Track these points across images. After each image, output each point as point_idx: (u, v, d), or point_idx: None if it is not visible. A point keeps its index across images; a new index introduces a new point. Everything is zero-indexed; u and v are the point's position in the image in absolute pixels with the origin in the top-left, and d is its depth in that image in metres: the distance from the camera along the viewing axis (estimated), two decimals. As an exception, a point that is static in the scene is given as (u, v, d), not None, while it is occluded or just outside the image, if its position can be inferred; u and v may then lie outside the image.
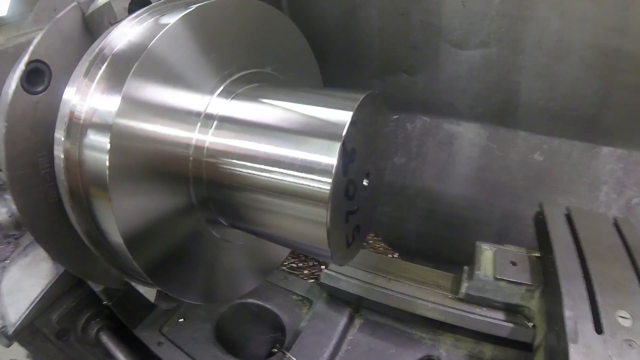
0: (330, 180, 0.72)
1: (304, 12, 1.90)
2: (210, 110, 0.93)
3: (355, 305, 1.49)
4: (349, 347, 1.37)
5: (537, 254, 1.31)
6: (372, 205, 1.01)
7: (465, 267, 1.36)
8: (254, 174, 0.85)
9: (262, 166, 0.83)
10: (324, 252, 0.82)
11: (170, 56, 0.84)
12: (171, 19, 0.85)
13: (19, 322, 1.32)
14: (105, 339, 1.46)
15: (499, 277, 1.24)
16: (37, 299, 1.35)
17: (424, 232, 2.23)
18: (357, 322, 1.46)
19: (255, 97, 0.98)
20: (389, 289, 1.39)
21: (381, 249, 2.35)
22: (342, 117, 0.76)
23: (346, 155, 0.75)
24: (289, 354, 1.31)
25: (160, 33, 0.81)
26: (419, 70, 1.85)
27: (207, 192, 0.95)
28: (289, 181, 0.79)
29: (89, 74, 0.86)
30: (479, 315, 1.25)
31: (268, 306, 1.58)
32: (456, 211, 2.06)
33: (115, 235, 0.83)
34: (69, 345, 1.49)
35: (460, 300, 1.30)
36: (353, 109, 0.76)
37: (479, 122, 1.88)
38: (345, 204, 0.82)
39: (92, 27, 0.97)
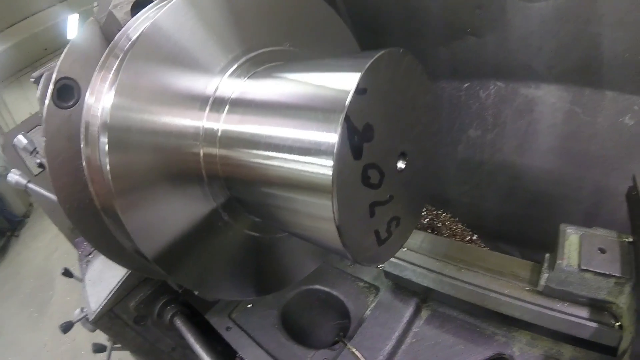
0: (330, 163, 0.59)
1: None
2: (220, 94, 0.86)
3: (422, 295, 1.40)
4: (414, 340, 1.29)
5: (630, 239, 1.10)
6: (417, 192, 0.86)
7: (547, 255, 1.19)
8: (260, 162, 0.76)
9: (266, 152, 0.74)
10: (343, 253, 0.70)
11: (170, 39, 0.79)
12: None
13: (99, 309, 1.48)
14: (178, 323, 1.59)
15: (584, 268, 1.06)
16: (116, 288, 1.52)
17: (505, 212, 2.04)
18: (424, 313, 1.37)
19: (268, 75, 0.88)
20: (459, 279, 1.26)
21: (458, 230, 2.20)
22: (344, 85, 0.62)
23: (355, 133, 0.62)
24: (349, 345, 1.28)
25: (159, 14, 0.78)
26: (486, 31, 1.67)
27: (228, 190, 0.88)
28: (290, 168, 0.69)
29: (100, 76, 0.89)
30: (559, 312, 1.09)
31: (334, 293, 1.57)
32: (540, 187, 1.85)
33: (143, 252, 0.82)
34: (146, 330, 1.66)
35: (539, 293, 1.14)
36: (359, 73, 0.61)
37: (560, 83, 1.64)
38: (366, 194, 0.69)
39: (109, 37, 1.01)
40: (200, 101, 0.85)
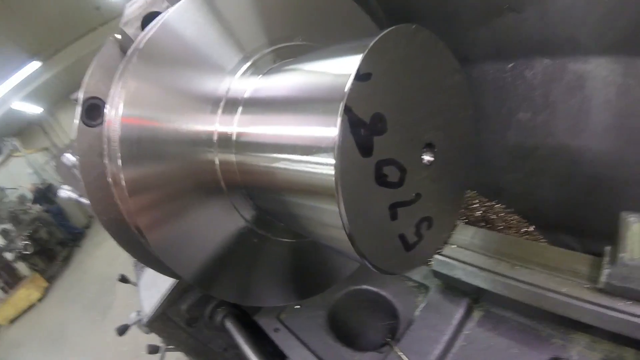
0: (332, 161, 0.51)
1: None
2: (233, 94, 0.80)
3: (474, 295, 1.31)
4: (464, 344, 1.22)
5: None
6: (451, 187, 0.75)
7: (607, 248, 1.07)
8: (269, 166, 0.69)
9: (273, 155, 0.67)
10: (362, 262, 0.62)
11: (177, 41, 0.76)
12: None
13: (152, 312, 1.55)
14: (229, 325, 1.62)
15: None
16: (168, 293, 1.57)
17: (562, 200, 1.88)
18: (476, 314, 1.29)
19: (277, 72, 0.82)
20: (513, 277, 1.17)
21: (514, 222, 2.08)
22: (343, 71, 0.53)
23: (361, 126, 0.53)
24: (396, 348, 1.24)
25: (158, 23, 0.75)
26: (525, 5, 1.55)
27: (252, 200, 0.83)
28: (296, 170, 0.61)
29: (116, 91, 0.89)
30: (622, 312, 0.97)
31: (382, 293, 1.53)
32: (600, 171, 1.70)
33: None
34: (198, 331, 1.71)
35: (600, 291, 1.03)
36: (359, 55, 0.52)
37: (610, 54, 1.50)
38: (382, 194, 0.60)
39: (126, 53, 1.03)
40: (211, 103, 0.81)
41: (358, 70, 0.52)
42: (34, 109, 14.41)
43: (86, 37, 10.24)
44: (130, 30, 0.97)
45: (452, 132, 0.71)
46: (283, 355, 1.41)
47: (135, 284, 2.22)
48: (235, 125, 0.77)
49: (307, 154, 0.57)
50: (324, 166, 0.53)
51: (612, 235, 1.11)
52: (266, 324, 1.56)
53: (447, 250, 1.35)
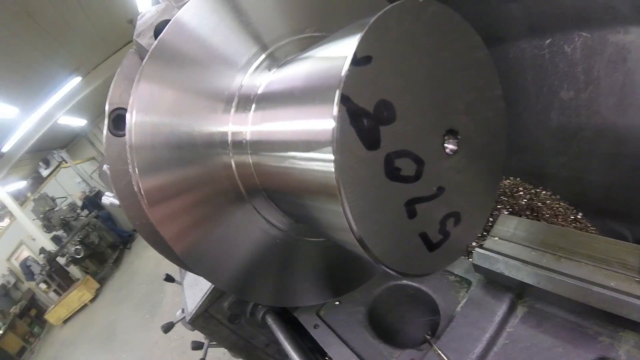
0: (330, 157, 0.45)
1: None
2: (245, 90, 0.75)
3: (517, 290, 1.25)
4: (507, 342, 1.15)
5: None
6: (482, 177, 0.67)
7: None
8: (278, 165, 0.64)
9: (279, 153, 0.62)
10: (379, 265, 0.56)
11: (187, 40, 0.73)
12: None
13: (195, 310, 1.60)
14: (270, 321, 1.64)
15: None
16: (210, 291, 1.62)
17: (611, 183, 1.77)
18: (520, 310, 1.22)
19: (287, 64, 0.76)
20: (558, 270, 1.10)
21: (561, 209, 1.97)
22: (340, 54, 0.47)
23: (363, 115, 0.47)
24: (435, 347, 1.20)
25: (180, 9, 0.72)
26: None
27: (273, 201, 0.80)
28: (300, 168, 0.56)
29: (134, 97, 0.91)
30: None
31: (422, 288, 1.49)
32: (650, 150, 1.56)
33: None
34: (240, 328, 1.75)
35: None
36: (356, 37, 0.46)
37: None
38: (396, 190, 0.53)
39: None
40: (224, 102, 0.77)
41: (355, 54, 0.46)
42: (78, 122, 15.30)
43: (122, 49, 10.71)
44: (144, 41, 0.97)
45: (478, 115, 0.63)
46: (323, 351, 1.41)
47: (180, 283, 2.31)
48: (249, 124, 0.73)
49: (307, 150, 0.52)
50: (324, 163, 0.47)
51: None
52: (306, 320, 1.56)
53: (488, 242, 1.29)
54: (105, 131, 1.02)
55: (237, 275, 0.82)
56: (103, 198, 2.02)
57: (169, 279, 2.80)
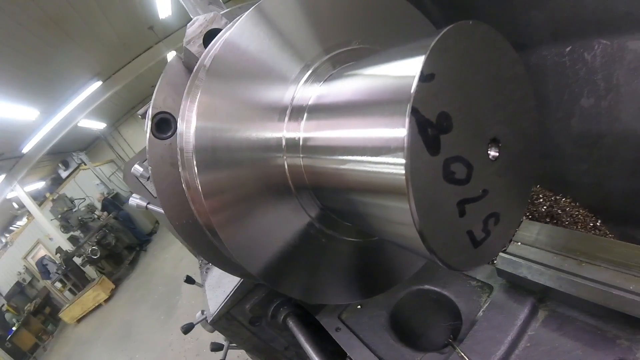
0: (402, 161, 0.53)
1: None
2: (297, 102, 0.84)
3: (539, 294, 1.27)
4: (528, 345, 1.17)
5: None
6: (517, 181, 0.74)
7: None
8: (338, 168, 0.72)
9: (342, 157, 0.69)
10: (431, 259, 0.63)
11: (241, 55, 0.80)
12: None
13: (217, 311, 1.63)
14: (291, 324, 1.66)
15: None
16: (232, 292, 1.65)
17: (632, 190, 1.75)
18: (541, 314, 1.24)
19: (339, 76, 0.84)
20: (580, 274, 1.12)
21: (580, 216, 1.97)
22: (407, 72, 0.54)
23: (428, 125, 0.54)
24: (458, 349, 1.21)
25: (230, 30, 0.79)
26: None
27: (318, 200, 0.87)
28: (365, 171, 0.63)
29: (187, 105, 0.95)
30: None
31: (445, 293, 1.51)
32: (671, 156, 1.56)
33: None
34: (260, 330, 1.77)
35: None
36: (422, 57, 0.53)
37: None
38: (451, 191, 0.61)
39: (191, 70, 1.07)
40: (279, 112, 0.85)
41: (422, 72, 0.53)
42: (98, 125, 15.64)
43: (142, 55, 10.95)
44: (193, 48, 1.03)
45: (516, 125, 0.71)
46: (344, 354, 1.43)
47: (201, 285, 2.35)
48: (302, 131, 0.82)
49: (377, 155, 0.59)
50: (394, 166, 0.55)
51: None
52: (328, 323, 1.59)
53: (511, 247, 1.31)
54: (148, 134, 1.06)
55: (272, 265, 0.87)
56: (130, 200, 2.08)
57: (190, 280, 2.85)
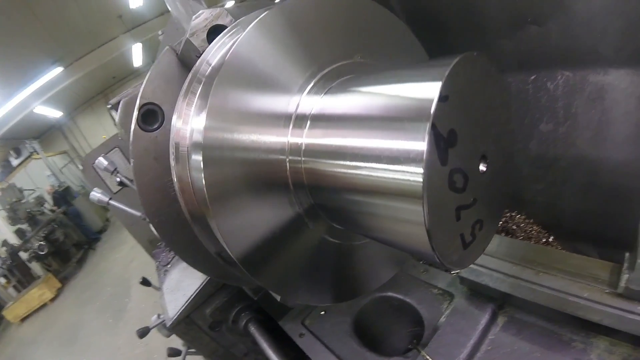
0: (420, 169, 0.60)
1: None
2: (301, 111, 0.90)
3: (499, 301, 1.35)
4: (489, 348, 1.25)
5: None
6: (497, 193, 0.84)
7: (627, 254, 1.12)
8: (345, 172, 0.79)
9: (351, 162, 0.76)
10: (431, 257, 0.71)
11: (250, 64, 0.84)
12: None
13: (176, 316, 1.58)
14: (253, 329, 1.64)
15: None
16: (193, 296, 1.60)
17: (583, 210, 1.88)
18: (501, 320, 1.32)
19: (343, 89, 0.91)
20: (537, 283, 1.22)
21: (534, 232, 2.08)
22: (427, 94, 0.63)
23: (441, 140, 0.63)
24: (423, 352, 1.26)
25: (234, 45, 0.82)
26: (548, 18, 1.58)
27: (311, 197, 0.93)
28: (378, 177, 0.71)
29: (186, 101, 0.95)
30: None
31: (407, 300, 1.55)
32: (620, 181, 1.71)
33: (232, 254, 0.86)
34: (220, 335, 1.73)
35: (619, 295, 1.08)
36: (441, 80, 0.62)
37: (630, 66, 1.52)
38: (452, 198, 0.70)
39: (186, 63, 1.08)
40: (284, 119, 0.90)
41: (440, 93, 0.61)
42: (54, 113, 14.78)
43: (108, 44, 10.52)
44: (196, 42, 1.03)
45: (499, 143, 0.81)
46: (307, 360, 1.44)
47: (157, 288, 2.25)
48: (304, 137, 0.89)
49: (394, 163, 0.66)
50: (413, 174, 0.62)
51: (629, 244, 1.14)
52: (291, 329, 1.58)
53: (473, 257, 1.38)
54: (133, 125, 1.02)
55: (255, 252, 0.89)
56: (91, 194, 1.97)
57: (146, 282, 2.72)
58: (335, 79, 0.95)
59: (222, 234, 0.83)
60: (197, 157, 0.83)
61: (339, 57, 0.98)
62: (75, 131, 17.27)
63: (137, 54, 13.02)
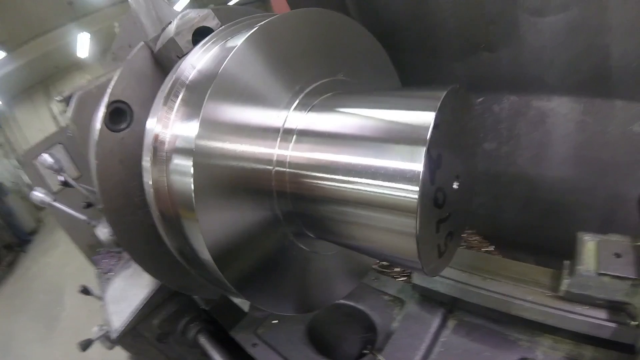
0: (417, 188, 0.68)
1: (370, 4, 1.86)
2: (288, 125, 0.94)
3: (449, 305, 1.44)
4: (442, 350, 1.33)
5: (643, 243, 1.16)
6: (464, 208, 0.94)
7: (566, 262, 1.25)
8: (336, 186, 0.84)
9: (344, 177, 0.82)
10: (415, 265, 0.78)
11: (241, 78, 0.86)
12: (237, 42, 0.88)
13: (123, 327, 1.48)
14: (203, 340, 1.58)
15: (602, 272, 1.14)
16: (140, 307, 1.51)
17: (522, 222, 2.05)
18: (451, 323, 1.41)
19: (331, 106, 0.96)
20: (485, 288, 1.33)
21: (476, 242, 2.21)
22: (424, 120, 0.71)
23: (432, 163, 0.71)
24: (380, 356, 1.31)
25: (228, 58, 0.84)
26: (500, 46, 1.70)
27: (292, 206, 0.95)
28: (372, 192, 0.77)
29: (167, 104, 0.92)
30: (580, 314, 1.18)
31: (359, 307, 1.59)
32: (556, 197, 1.87)
33: (204, 253, 0.87)
34: (168, 347, 1.64)
35: (560, 298, 1.22)
36: (434, 110, 0.71)
37: (571, 95, 1.69)
38: (435, 213, 0.78)
39: (162, 62, 1.05)
40: (272, 132, 0.92)
41: (434, 122, 0.70)
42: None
43: (55, 31, 9.77)
44: (181, 42, 0.99)
45: (468, 165, 0.91)
46: (260, 371, 1.41)
47: (98, 297, 2.10)
48: (290, 149, 0.93)
49: (390, 181, 0.73)
50: (408, 191, 0.69)
51: (563, 253, 1.28)
52: (243, 339, 1.56)
53: (425, 266, 1.45)
54: (99, 124, 0.95)
55: (228, 249, 0.89)
56: (32, 194, 1.80)
57: (86, 291, 2.53)
58: (319, 96, 0.99)
59: (203, 231, 0.83)
60: (185, 162, 0.83)
61: (322, 75, 1.01)
62: (12, 122, 15.74)
63: (83, 45, 12.23)
